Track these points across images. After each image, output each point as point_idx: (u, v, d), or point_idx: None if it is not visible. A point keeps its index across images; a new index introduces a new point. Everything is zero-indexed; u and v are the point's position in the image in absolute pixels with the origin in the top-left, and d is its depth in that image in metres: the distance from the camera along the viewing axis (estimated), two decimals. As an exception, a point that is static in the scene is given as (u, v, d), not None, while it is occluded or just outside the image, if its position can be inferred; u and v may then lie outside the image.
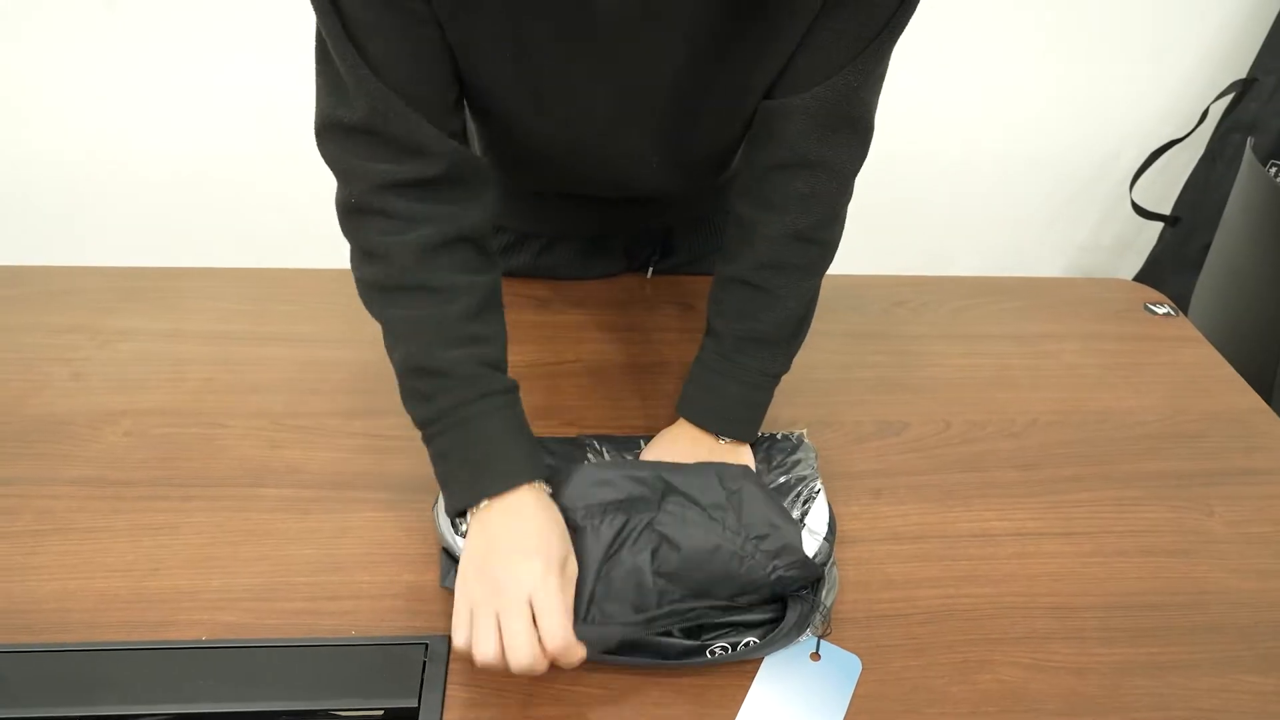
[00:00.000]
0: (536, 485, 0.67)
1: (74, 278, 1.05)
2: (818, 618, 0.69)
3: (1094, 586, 0.76)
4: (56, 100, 1.70)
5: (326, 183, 0.70)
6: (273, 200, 1.77)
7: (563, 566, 0.63)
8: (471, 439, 0.68)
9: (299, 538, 0.75)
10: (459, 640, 0.62)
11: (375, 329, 0.74)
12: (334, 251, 0.78)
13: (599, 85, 0.74)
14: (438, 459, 0.70)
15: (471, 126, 0.86)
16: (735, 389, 0.80)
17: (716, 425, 0.80)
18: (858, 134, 0.75)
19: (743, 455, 0.81)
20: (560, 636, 0.60)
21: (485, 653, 0.60)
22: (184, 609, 0.69)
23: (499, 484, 0.66)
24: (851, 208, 0.80)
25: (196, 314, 1.00)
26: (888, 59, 0.73)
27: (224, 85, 1.70)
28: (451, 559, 0.71)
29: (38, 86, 1.68)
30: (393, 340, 0.70)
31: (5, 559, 0.71)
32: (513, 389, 0.71)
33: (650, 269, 1.11)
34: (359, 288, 0.71)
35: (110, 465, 0.81)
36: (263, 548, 0.74)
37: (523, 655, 0.60)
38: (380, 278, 0.69)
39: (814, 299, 0.82)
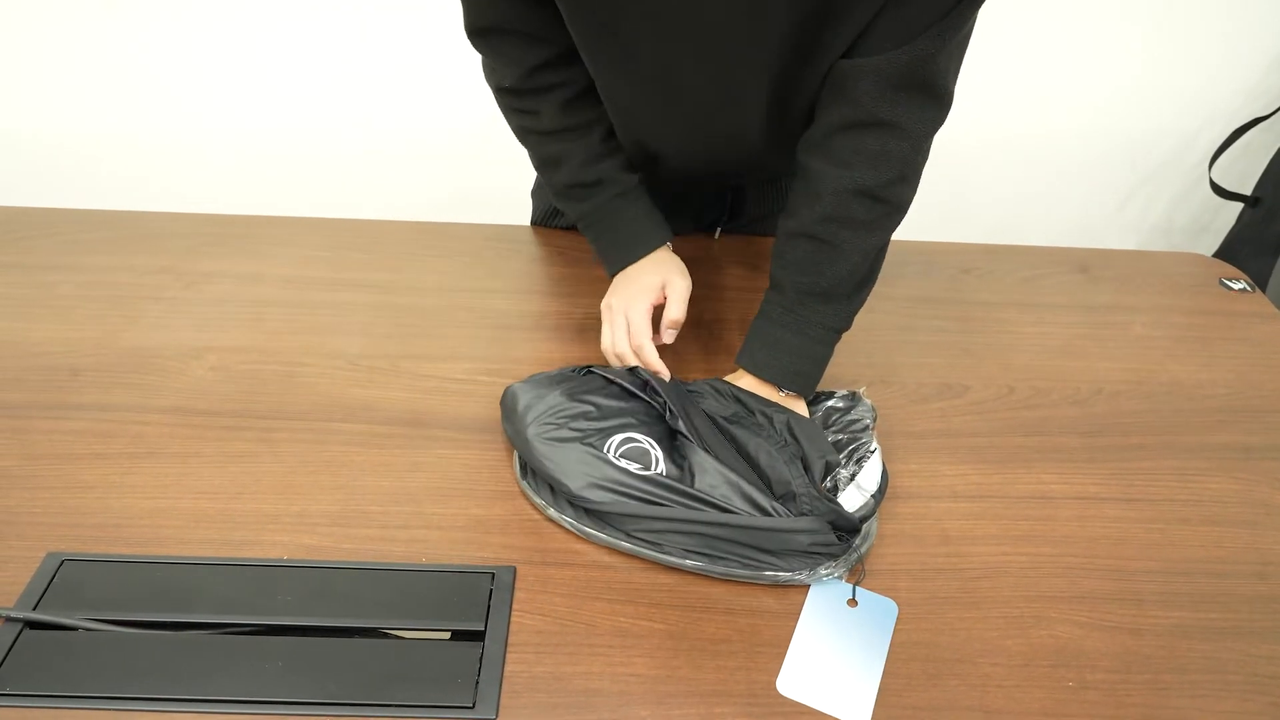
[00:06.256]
0: (667, 245, 0.92)
1: (163, 223, 1.10)
2: (845, 562, 0.70)
3: (1154, 552, 0.76)
4: (148, 56, 1.76)
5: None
6: (350, 153, 1.82)
7: (683, 275, 0.89)
8: (620, 223, 0.92)
9: (373, 470, 0.78)
10: (604, 343, 0.87)
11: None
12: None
13: (701, 76, 0.78)
14: (594, 240, 0.94)
15: None
16: (796, 341, 0.81)
17: (776, 377, 0.81)
18: (931, 98, 0.74)
19: (800, 409, 0.82)
20: (680, 311, 0.86)
21: (615, 342, 0.85)
22: (266, 530, 0.73)
23: (642, 250, 0.91)
24: (921, 179, 0.80)
25: (277, 259, 1.04)
26: (968, 27, 0.72)
27: (310, 48, 1.74)
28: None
29: (136, 48, 1.74)
30: (551, 165, 0.92)
31: (105, 477, 0.76)
32: (640, 182, 0.92)
33: (719, 230, 1.12)
34: (515, 130, 0.92)
35: (197, 397, 0.85)
36: (339, 478, 0.77)
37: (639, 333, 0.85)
38: (533, 126, 0.89)
39: (879, 257, 0.82)
